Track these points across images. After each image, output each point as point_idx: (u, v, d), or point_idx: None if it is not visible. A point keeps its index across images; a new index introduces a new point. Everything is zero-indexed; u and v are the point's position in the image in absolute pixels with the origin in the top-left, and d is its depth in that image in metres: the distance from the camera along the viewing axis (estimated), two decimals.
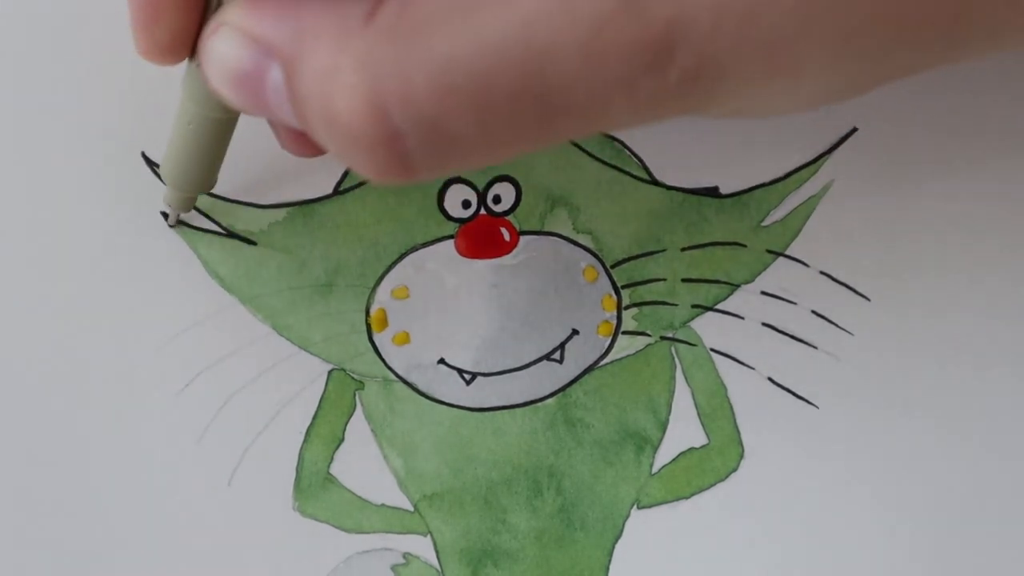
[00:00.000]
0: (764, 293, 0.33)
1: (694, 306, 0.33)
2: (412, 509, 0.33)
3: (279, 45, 0.22)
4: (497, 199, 0.33)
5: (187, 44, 0.25)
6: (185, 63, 0.26)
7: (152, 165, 0.33)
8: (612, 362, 0.33)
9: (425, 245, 0.33)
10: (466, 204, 0.33)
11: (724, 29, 0.20)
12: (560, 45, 0.20)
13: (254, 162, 0.33)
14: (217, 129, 0.28)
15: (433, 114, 0.20)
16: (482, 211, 0.33)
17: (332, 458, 0.33)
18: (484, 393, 0.33)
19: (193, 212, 0.33)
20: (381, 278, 0.33)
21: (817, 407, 0.32)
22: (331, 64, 0.21)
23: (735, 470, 0.32)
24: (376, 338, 0.33)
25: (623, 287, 0.33)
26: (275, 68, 0.22)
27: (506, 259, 0.33)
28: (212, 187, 0.31)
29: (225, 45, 0.23)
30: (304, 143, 0.29)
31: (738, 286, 0.33)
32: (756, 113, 0.24)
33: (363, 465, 0.33)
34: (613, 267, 0.33)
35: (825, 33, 0.20)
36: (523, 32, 0.20)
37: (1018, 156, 0.32)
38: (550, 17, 0.20)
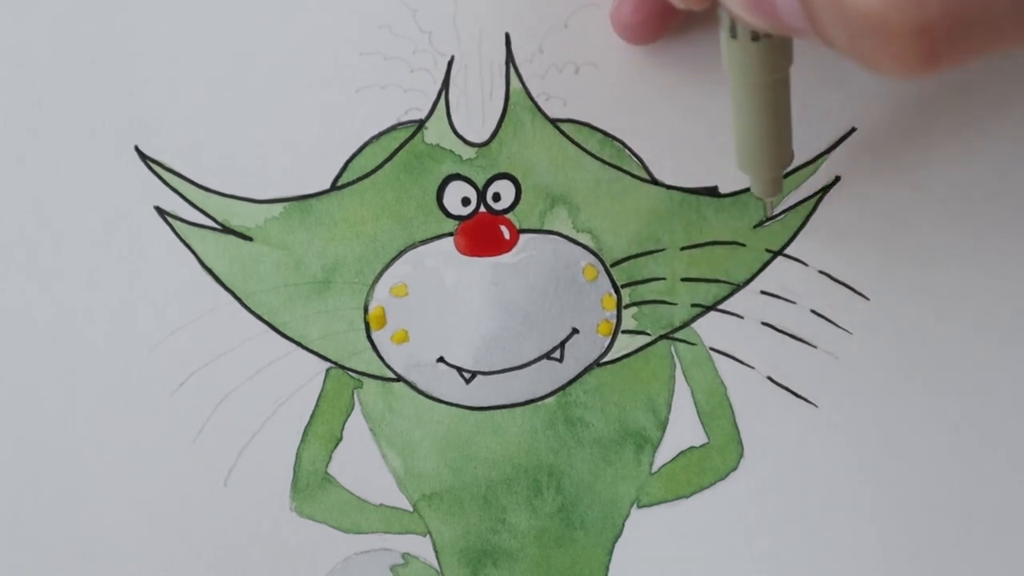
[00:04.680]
0: (763, 292, 0.33)
1: (693, 305, 0.33)
2: (411, 509, 0.32)
3: None
4: (497, 197, 0.33)
5: None
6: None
7: (145, 159, 0.33)
8: (612, 361, 0.33)
9: (424, 242, 0.33)
10: (466, 201, 0.33)
11: None
12: None
13: (249, 155, 0.33)
14: (771, 96, 0.28)
15: None
16: (482, 209, 0.33)
17: (330, 458, 0.32)
18: (484, 392, 0.33)
19: (186, 206, 0.33)
20: (380, 275, 0.33)
21: (816, 406, 0.32)
22: None
23: (735, 469, 0.32)
24: (375, 336, 0.33)
25: (623, 286, 0.33)
26: None
27: (506, 257, 0.33)
28: (790, 161, 0.30)
29: None
30: None
31: (737, 285, 0.33)
32: None
33: (361, 465, 0.32)
34: (613, 266, 0.33)
35: None
36: None
37: (1016, 155, 0.33)
38: None
